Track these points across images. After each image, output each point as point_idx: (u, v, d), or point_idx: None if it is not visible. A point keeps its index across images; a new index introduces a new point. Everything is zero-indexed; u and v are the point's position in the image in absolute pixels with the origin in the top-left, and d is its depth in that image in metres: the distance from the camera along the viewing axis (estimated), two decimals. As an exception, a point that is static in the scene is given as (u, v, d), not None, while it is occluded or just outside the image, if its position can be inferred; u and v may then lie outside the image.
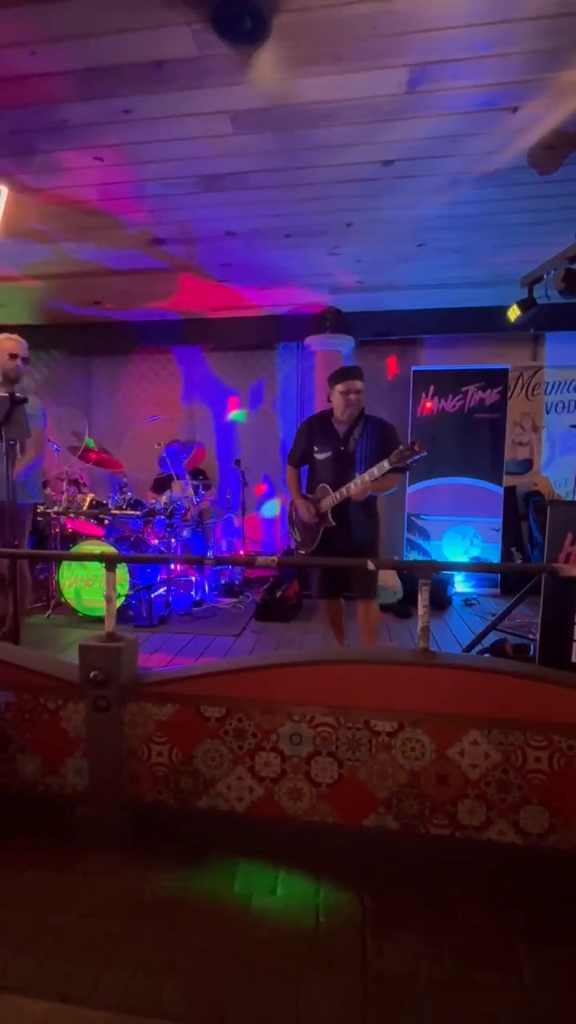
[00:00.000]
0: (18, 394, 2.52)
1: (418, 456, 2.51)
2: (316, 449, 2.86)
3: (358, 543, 2.75)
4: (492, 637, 3.17)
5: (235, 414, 5.91)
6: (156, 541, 4.15)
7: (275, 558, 2.01)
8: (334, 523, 2.75)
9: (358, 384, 2.76)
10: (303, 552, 2.92)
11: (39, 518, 4.16)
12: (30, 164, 2.75)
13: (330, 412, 2.89)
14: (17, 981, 1.24)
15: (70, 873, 1.56)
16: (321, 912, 1.43)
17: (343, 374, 2.80)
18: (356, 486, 2.64)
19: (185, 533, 4.39)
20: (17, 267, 4.14)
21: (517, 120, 2.39)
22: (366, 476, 2.62)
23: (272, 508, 5.94)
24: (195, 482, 4.77)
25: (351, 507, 2.74)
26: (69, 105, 2.30)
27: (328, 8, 1.81)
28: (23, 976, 1.25)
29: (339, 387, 2.76)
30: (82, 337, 5.68)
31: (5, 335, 3.11)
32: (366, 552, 2.73)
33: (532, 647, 2.92)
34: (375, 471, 2.58)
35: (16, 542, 2.80)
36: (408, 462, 2.50)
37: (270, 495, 5.93)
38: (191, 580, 4.46)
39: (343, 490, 2.69)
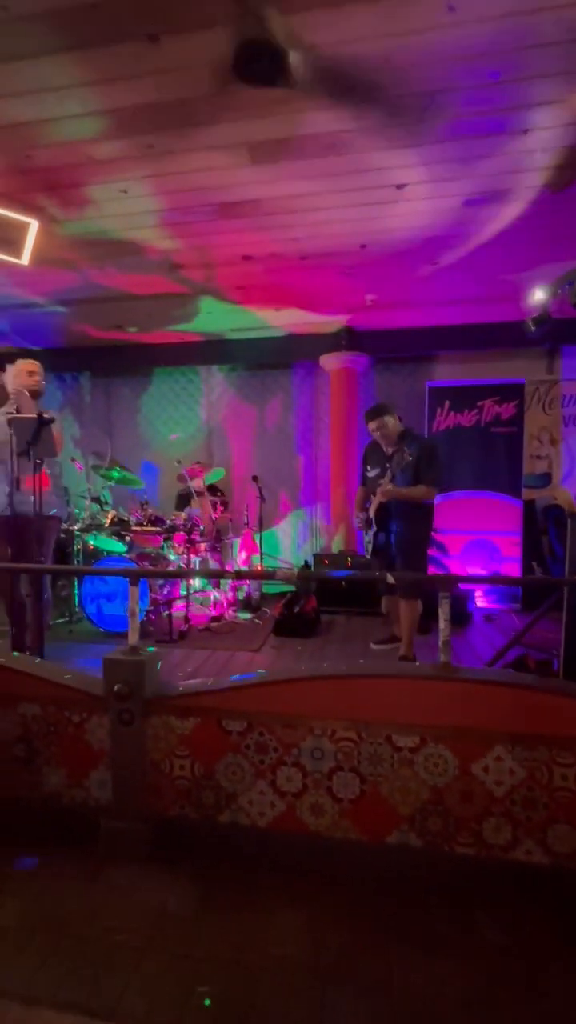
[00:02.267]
0: (45, 414, 2.61)
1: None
2: (368, 469, 3.49)
3: (394, 545, 3.34)
4: (514, 652, 3.12)
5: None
6: (176, 557, 4.21)
7: (294, 572, 2.03)
8: (376, 528, 3.37)
9: (373, 425, 3.37)
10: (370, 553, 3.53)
11: (62, 535, 4.25)
12: (59, 198, 2.90)
13: None
14: (43, 994, 1.25)
15: (94, 886, 1.57)
16: (345, 929, 1.42)
17: (365, 417, 3.44)
18: (381, 493, 3.25)
19: (204, 548, 4.44)
20: (43, 294, 4.31)
21: (528, 142, 2.44)
22: (388, 485, 3.23)
23: (288, 524, 5.97)
24: (213, 498, 4.84)
25: (391, 515, 3.30)
26: (95, 143, 2.43)
27: (342, 45, 1.90)
28: (49, 989, 1.26)
29: (368, 427, 3.43)
30: (104, 359, 5.86)
31: (19, 361, 3.19)
32: (401, 553, 3.29)
33: (555, 662, 2.87)
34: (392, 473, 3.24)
35: (41, 558, 2.88)
36: (402, 467, 3.19)
37: (287, 511, 5.96)
38: (210, 596, 4.49)
39: (373, 497, 3.31)
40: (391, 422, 3.31)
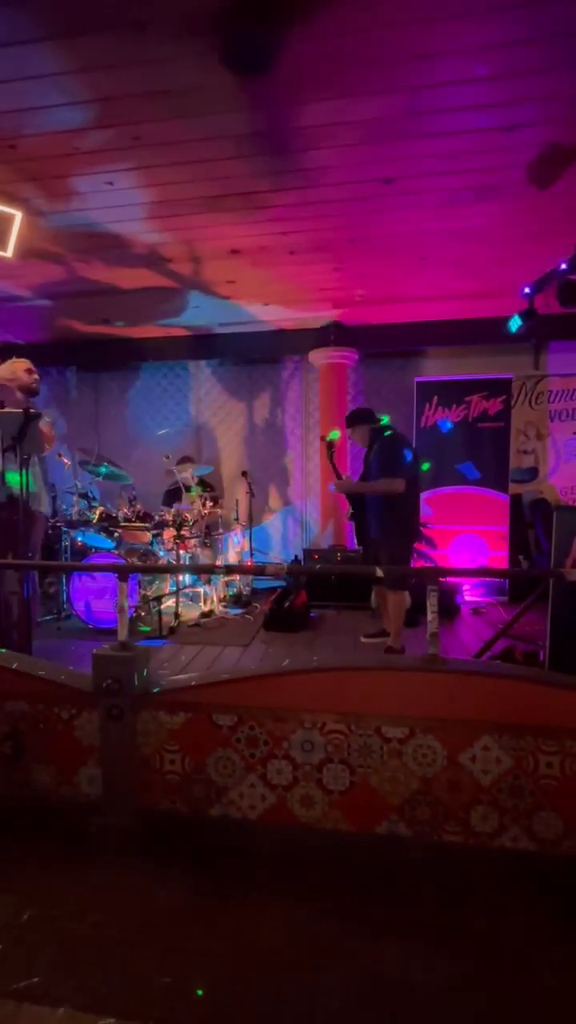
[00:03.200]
0: (32, 410, 2.58)
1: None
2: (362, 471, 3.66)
3: (372, 537, 3.48)
4: (501, 644, 3.16)
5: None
6: (165, 553, 4.19)
7: (284, 567, 2.04)
8: (353, 521, 3.61)
9: (349, 431, 3.71)
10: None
11: (49, 531, 4.21)
12: (43, 189, 2.86)
13: None
14: (35, 990, 1.25)
15: (84, 881, 1.56)
16: (335, 918, 1.43)
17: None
18: (334, 486, 3.66)
19: (193, 544, 4.42)
20: (28, 287, 4.25)
21: (514, 138, 2.45)
22: (337, 480, 3.65)
23: (278, 519, 5.97)
24: (202, 494, 4.82)
25: (366, 509, 3.46)
26: (82, 133, 2.40)
27: (332, 37, 1.89)
28: (41, 985, 1.26)
29: None
30: (91, 354, 5.79)
31: (12, 359, 3.19)
32: (381, 546, 3.38)
33: (542, 653, 2.92)
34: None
35: (30, 554, 2.85)
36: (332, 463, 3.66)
37: (277, 506, 5.96)
38: (199, 591, 4.48)
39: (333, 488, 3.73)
40: (360, 431, 3.56)
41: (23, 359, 3.19)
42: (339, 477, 3.73)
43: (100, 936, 1.39)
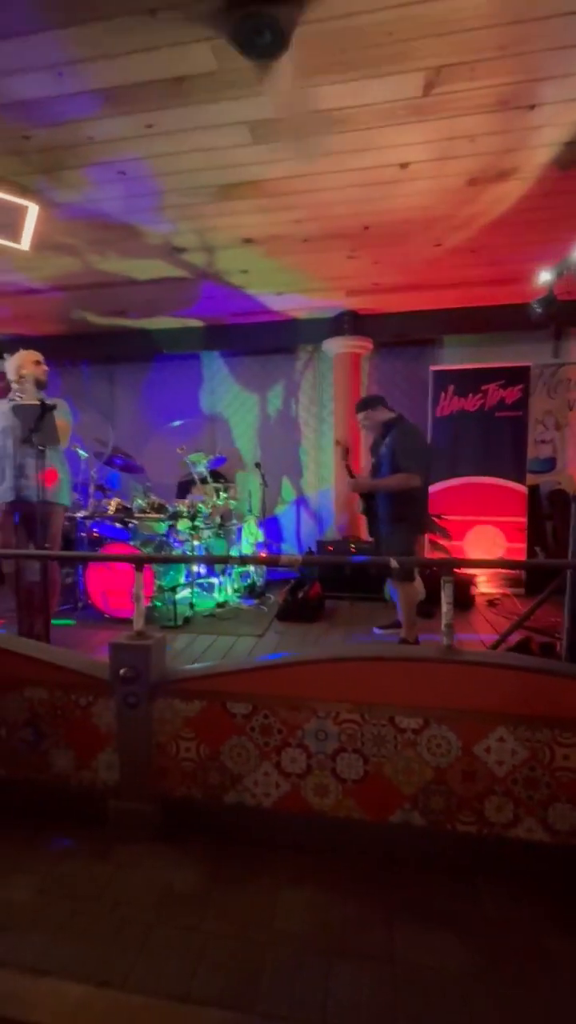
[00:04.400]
0: (48, 400, 2.61)
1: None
2: (373, 460, 3.54)
3: (380, 529, 3.43)
4: (517, 635, 3.14)
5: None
6: (180, 544, 4.22)
7: (298, 558, 2.04)
8: (365, 515, 3.54)
9: (359, 416, 3.55)
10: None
11: (66, 523, 4.27)
12: (57, 181, 2.86)
13: None
14: (55, 965, 1.29)
15: (104, 863, 1.60)
16: (349, 905, 1.45)
17: (355, 410, 3.65)
18: (348, 485, 3.57)
19: (207, 535, 4.45)
20: (43, 280, 4.27)
21: (535, 117, 2.38)
22: (351, 480, 3.53)
23: (292, 510, 5.97)
24: (216, 485, 4.84)
25: (377, 504, 3.37)
26: (94, 122, 2.39)
27: (345, 17, 1.85)
28: (61, 960, 1.30)
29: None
30: (105, 345, 5.82)
31: (22, 350, 3.22)
32: (387, 541, 3.34)
33: (559, 645, 2.88)
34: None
35: (47, 544, 2.89)
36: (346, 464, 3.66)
37: (290, 497, 5.96)
38: (214, 582, 4.51)
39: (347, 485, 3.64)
40: (374, 415, 3.43)
41: (31, 351, 3.21)
42: (351, 476, 3.65)
43: (119, 916, 1.42)
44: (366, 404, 3.51)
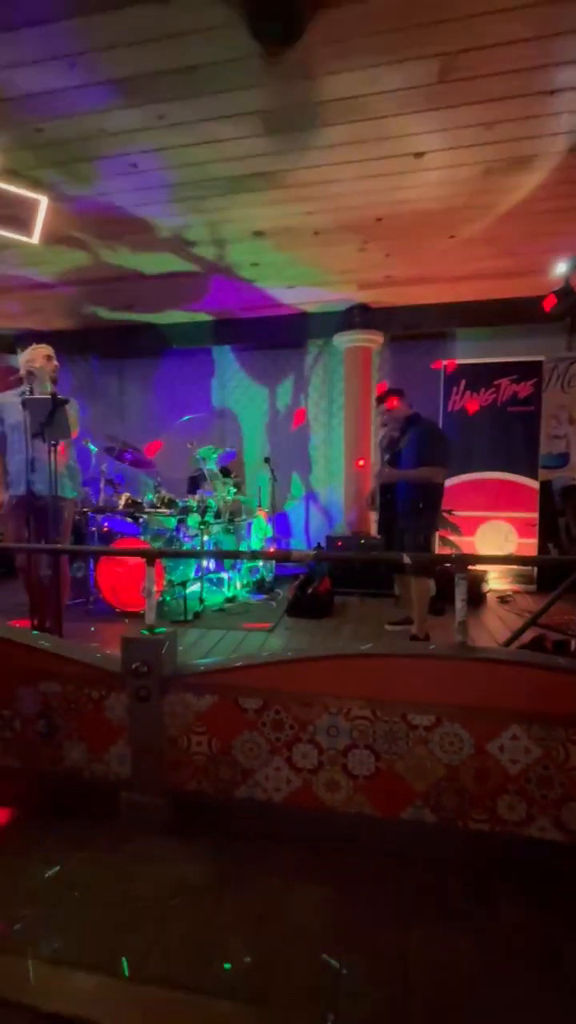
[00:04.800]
0: (60, 395, 2.61)
1: None
2: (385, 456, 3.57)
3: (399, 524, 3.42)
4: (530, 633, 3.10)
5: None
6: (189, 539, 4.23)
7: (310, 553, 2.03)
8: (382, 510, 3.50)
9: (380, 408, 3.52)
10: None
11: (77, 516, 4.29)
12: (69, 174, 2.85)
13: None
14: (69, 955, 1.30)
15: (116, 856, 1.61)
16: (361, 902, 1.45)
17: (376, 402, 3.62)
18: (377, 475, 3.48)
19: (217, 530, 4.45)
20: (53, 274, 4.28)
21: (555, 103, 2.33)
22: (385, 468, 3.41)
23: (301, 506, 5.96)
24: (225, 480, 4.84)
25: (396, 497, 3.37)
26: (107, 114, 2.38)
27: (361, 2, 1.81)
28: (75, 951, 1.31)
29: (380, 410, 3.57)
30: (115, 340, 5.82)
31: (35, 345, 3.19)
32: (407, 533, 3.34)
33: (573, 643, 2.85)
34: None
35: (58, 538, 2.91)
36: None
37: (300, 493, 5.95)
38: (223, 576, 4.52)
39: (374, 476, 3.54)
40: (400, 407, 3.43)
41: (44, 344, 3.20)
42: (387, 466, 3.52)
43: (131, 907, 1.43)
44: (391, 395, 3.49)
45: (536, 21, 1.91)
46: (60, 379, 3.21)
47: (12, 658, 1.88)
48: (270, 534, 5.21)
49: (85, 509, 4.34)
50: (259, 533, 5.09)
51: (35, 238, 3.09)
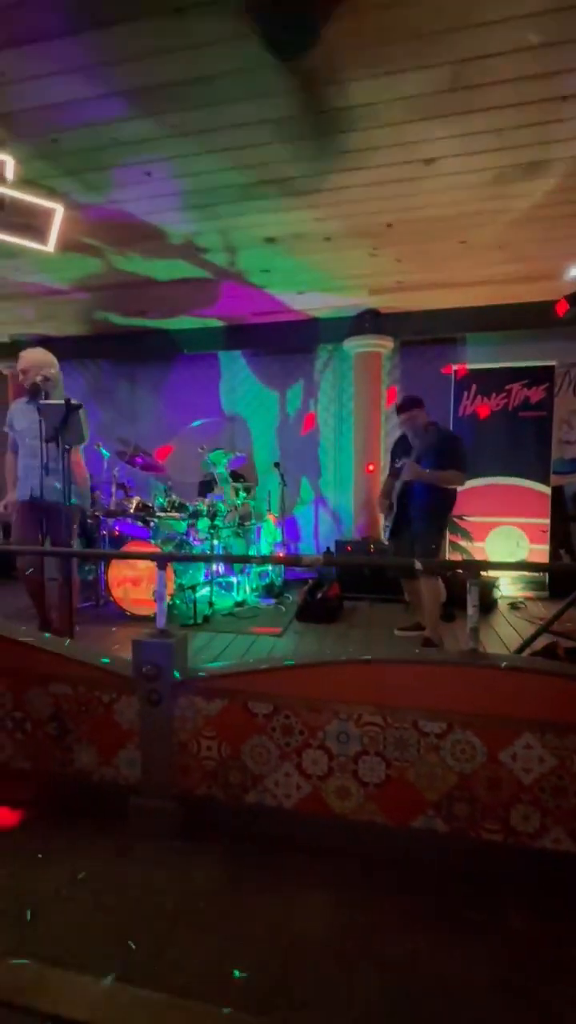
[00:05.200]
0: (74, 400, 2.64)
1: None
2: (396, 461, 3.57)
3: (412, 528, 3.42)
4: (542, 640, 3.07)
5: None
6: (199, 543, 4.24)
7: (319, 558, 2.03)
8: (397, 512, 3.47)
9: (403, 416, 3.51)
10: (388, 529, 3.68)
11: (89, 520, 4.33)
12: (84, 182, 2.89)
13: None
14: (78, 959, 1.30)
15: (125, 860, 1.61)
16: (372, 910, 1.43)
17: (397, 411, 3.60)
18: (407, 472, 3.37)
19: (226, 534, 4.46)
20: (67, 281, 4.34)
21: (567, 109, 2.33)
22: (415, 465, 3.34)
23: (310, 510, 5.96)
24: (235, 484, 4.85)
25: (412, 499, 3.39)
26: (121, 123, 2.41)
27: (374, 11, 1.83)
28: (84, 955, 1.31)
29: (399, 418, 3.59)
30: (127, 346, 5.88)
31: (42, 350, 3.17)
32: (420, 536, 3.36)
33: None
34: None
35: (70, 543, 2.93)
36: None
37: (309, 497, 5.95)
38: (232, 580, 4.52)
39: (401, 475, 3.44)
40: (420, 415, 3.48)
41: (43, 359, 3.09)
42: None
43: (140, 912, 1.43)
44: (412, 404, 3.48)
45: (547, 28, 1.91)
46: (72, 383, 3.22)
47: (24, 660, 1.89)
48: (279, 538, 5.21)
49: (96, 513, 4.38)
50: (268, 537, 5.09)
51: (51, 246, 3.13)
